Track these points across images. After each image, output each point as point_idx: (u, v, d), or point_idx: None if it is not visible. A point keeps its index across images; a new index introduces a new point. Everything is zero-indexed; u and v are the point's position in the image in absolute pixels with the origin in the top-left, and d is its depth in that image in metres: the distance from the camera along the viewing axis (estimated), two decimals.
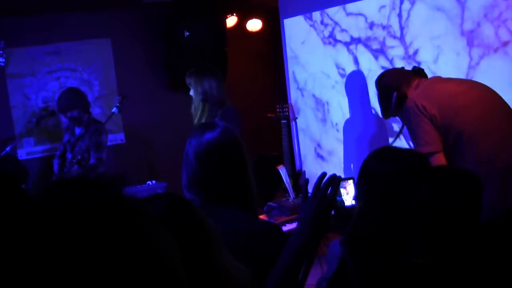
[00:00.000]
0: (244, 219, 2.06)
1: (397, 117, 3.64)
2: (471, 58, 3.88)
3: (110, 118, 5.15)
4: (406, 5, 4.33)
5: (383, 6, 4.52)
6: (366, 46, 4.74)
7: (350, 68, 4.95)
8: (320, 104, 5.39)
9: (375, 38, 4.64)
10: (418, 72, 3.39)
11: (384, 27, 4.55)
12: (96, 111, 5.97)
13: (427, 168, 1.66)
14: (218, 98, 4.49)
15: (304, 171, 5.26)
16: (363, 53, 4.79)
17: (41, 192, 0.74)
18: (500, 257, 1.79)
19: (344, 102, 5.07)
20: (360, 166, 1.92)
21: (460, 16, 3.93)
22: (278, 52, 6.16)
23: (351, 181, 1.80)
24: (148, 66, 6.32)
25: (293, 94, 5.74)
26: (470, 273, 1.62)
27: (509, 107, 3.17)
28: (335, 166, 5.10)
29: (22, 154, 5.84)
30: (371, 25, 4.67)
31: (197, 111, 4.51)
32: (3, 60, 5.39)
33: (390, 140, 4.57)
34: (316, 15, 5.27)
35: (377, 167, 1.70)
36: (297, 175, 5.08)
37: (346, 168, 5.00)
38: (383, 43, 4.57)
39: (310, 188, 1.75)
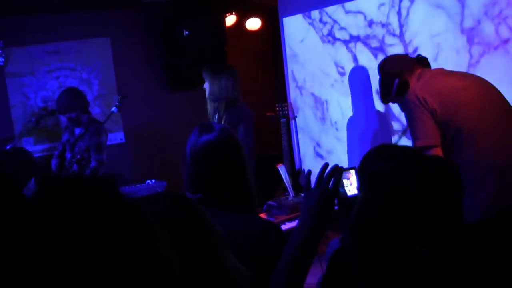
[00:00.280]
0: (241, 220, 2.06)
1: (397, 106, 3.62)
2: (471, 56, 3.87)
3: (109, 117, 5.14)
4: (405, 3, 4.32)
5: (382, 4, 4.52)
6: (365, 44, 4.73)
7: (349, 66, 4.95)
8: (319, 103, 5.38)
9: (374, 36, 4.63)
10: (421, 60, 3.37)
11: (383, 25, 4.54)
12: (95, 110, 5.96)
13: (421, 164, 1.67)
14: (232, 95, 4.52)
15: (304, 170, 5.26)
16: (362, 51, 4.78)
17: (38, 191, 0.74)
18: (497, 255, 1.79)
19: (343, 100, 5.07)
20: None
21: (460, 13, 3.92)
22: (277, 51, 6.15)
23: (353, 171, 1.82)
24: (148, 65, 6.32)
25: (292, 93, 5.74)
26: (469, 271, 1.61)
27: (509, 104, 3.16)
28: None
29: None
30: (370, 23, 4.67)
31: (211, 107, 4.53)
32: (3, 59, 5.38)
33: (393, 138, 4.56)
34: (315, 13, 5.27)
35: (376, 167, 1.70)
36: (297, 174, 5.08)
37: (350, 165, 4.99)
38: (382, 41, 4.56)
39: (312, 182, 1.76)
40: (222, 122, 4.45)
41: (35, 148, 5.85)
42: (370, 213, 1.63)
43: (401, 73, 3.30)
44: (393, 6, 4.43)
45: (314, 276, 2.62)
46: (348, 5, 4.88)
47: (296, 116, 5.62)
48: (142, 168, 6.08)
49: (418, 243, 1.60)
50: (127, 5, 6.13)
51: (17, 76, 5.84)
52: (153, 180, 4.76)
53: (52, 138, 5.91)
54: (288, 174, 4.37)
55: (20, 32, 5.78)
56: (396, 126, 4.53)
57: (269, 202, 4.08)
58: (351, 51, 4.91)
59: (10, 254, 0.65)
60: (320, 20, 5.21)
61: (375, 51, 4.64)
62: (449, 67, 3.80)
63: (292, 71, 5.69)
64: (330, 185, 1.72)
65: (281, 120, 5.17)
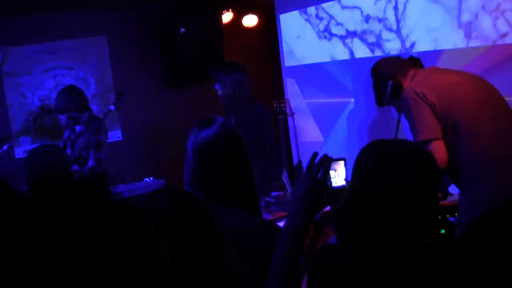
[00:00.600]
0: (241, 217, 2.05)
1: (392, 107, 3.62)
2: (468, 51, 3.87)
3: (107, 115, 5.13)
4: None
5: None
6: (362, 39, 4.72)
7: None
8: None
9: (371, 31, 4.63)
10: (415, 61, 3.37)
11: (380, 20, 4.53)
12: (92, 109, 5.94)
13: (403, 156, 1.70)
14: (247, 93, 4.48)
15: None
16: (359, 47, 4.78)
17: (28, 190, 0.74)
18: (502, 247, 1.80)
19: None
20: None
21: (457, 8, 3.91)
22: (274, 47, 6.14)
23: (342, 162, 1.83)
24: (144, 63, 6.30)
25: (290, 89, 5.73)
26: (471, 264, 1.62)
27: (504, 99, 3.15)
28: None
29: (19, 152, 5.83)
30: (367, 18, 4.66)
31: (227, 107, 4.47)
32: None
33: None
34: (311, 9, 5.26)
35: (370, 164, 1.72)
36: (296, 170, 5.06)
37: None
38: (379, 36, 4.56)
39: None
40: (240, 122, 4.42)
41: (32, 147, 5.84)
42: (358, 204, 1.66)
43: (394, 76, 3.30)
44: (389, 1, 4.43)
45: None
46: (344, 0, 4.87)
47: (294, 113, 5.61)
48: (139, 166, 6.08)
49: (402, 232, 1.63)
50: (123, 3, 6.11)
51: (14, 76, 5.83)
52: (151, 178, 4.76)
53: (50, 137, 5.90)
54: (286, 171, 4.36)
55: (17, 32, 5.76)
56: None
57: (267, 198, 4.07)
58: (348, 47, 4.90)
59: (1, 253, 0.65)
60: (317, 16, 5.20)
61: (372, 46, 4.64)
62: (446, 62, 3.80)
63: (290, 68, 5.68)
64: (319, 175, 1.73)
65: (279, 116, 5.16)
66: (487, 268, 1.62)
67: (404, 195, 1.65)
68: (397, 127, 3.71)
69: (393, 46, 4.42)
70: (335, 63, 5.09)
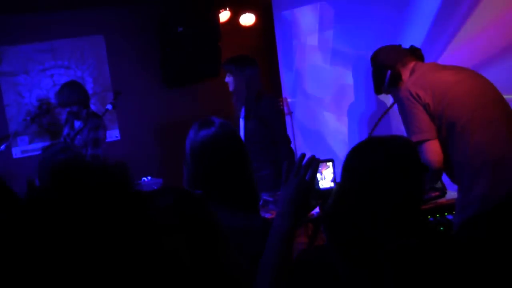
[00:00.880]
0: (241, 217, 2.05)
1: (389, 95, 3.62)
2: None
3: (104, 114, 5.13)
4: None
5: None
6: None
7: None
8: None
9: None
10: (415, 52, 3.36)
11: None
12: (90, 106, 5.94)
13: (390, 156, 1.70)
14: (260, 87, 4.49)
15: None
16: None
17: (51, 178, 0.73)
18: (496, 247, 1.80)
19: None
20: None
21: None
22: (272, 46, 6.14)
23: (330, 164, 1.82)
24: (142, 62, 6.30)
25: (287, 88, 5.73)
26: (462, 264, 1.62)
27: (503, 98, 3.15)
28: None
29: (17, 152, 5.82)
30: None
31: (239, 102, 4.46)
32: None
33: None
34: (309, 7, 5.26)
35: (358, 164, 1.73)
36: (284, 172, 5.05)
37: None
38: None
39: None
40: (250, 116, 4.43)
41: (30, 147, 5.84)
42: (346, 204, 1.65)
43: (394, 65, 3.30)
44: None
45: None
46: None
47: (292, 112, 5.61)
48: (137, 165, 6.05)
49: (392, 231, 1.63)
50: (120, 2, 6.11)
51: (11, 75, 5.82)
52: (149, 177, 4.76)
53: (47, 136, 5.89)
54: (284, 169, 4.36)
55: (13, 31, 5.75)
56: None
57: (265, 197, 4.07)
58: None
59: (15, 245, 0.65)
60: (315, 13, 5.20)
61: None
62: None
63: (287, 67, 5.68)
64: (306, 177, 1.72)
65: None
66: (478, 268, 1.62)
67: (390, 189, 1.64)
68: (381, 117, 3.71)
69: None
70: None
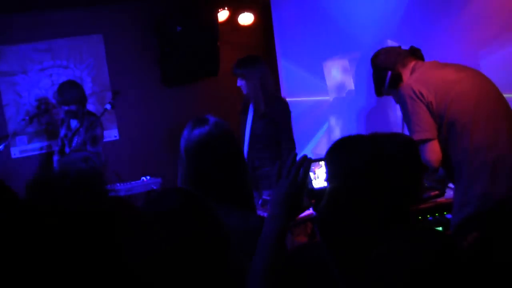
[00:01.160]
0: (237, 216, 2.05)
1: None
2: None
3: (103, 114, 5.13)
4: None
5: None
6: None
7: None
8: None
9: None
10: (415, 52, 3.36)
11: None
12: (89, 108, 5.93)
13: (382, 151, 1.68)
14: (272, 85, 4.50)
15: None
16: None
17: (26, 193, 0.73)
18: (490, 248, 1.80)
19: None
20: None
21: None
22: (270, 45, 6.14)
23: (322, 163, 1.76)
24: (141, 61, 6.29)
25: (286, 88, 5.73)
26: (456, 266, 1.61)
27: (503, 97, 3.15)
28: None
29: (15, 152, 5.81)
30: None
31: (255, 99, 4.45)
32: None
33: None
34: (308, 5, 5.26)
35: (352, 163, 1.70)
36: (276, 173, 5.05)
37: None
38: None
39: None
40: (260, 116, 4.43)
41: (29, 147, 5.83)
42: (339, 203, 1.62)
43: (394, 66, 3.30)
44: None
45: None
46: None
47: (290, 111, 5.60)
48: (136, 164, 6.06)
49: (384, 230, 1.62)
50: (119, 1, 6.10)
51: (9, 75, 5.81)
52: (148, 177, 4.76)
53: (46, 136, 5.89)
54: None
55: (11, 31, 5.74)
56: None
57: (264, 196, 4.08)
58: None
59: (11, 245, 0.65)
60: (313, 11, 5.20)
61: None
62: None
63: (286, 66, 5.68)
64: (298, 177, 1.67)
65: None
66: (476, 273, 1.62)
67: (388, 189, 1.63)
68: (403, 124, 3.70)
69: None
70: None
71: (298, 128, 5.63)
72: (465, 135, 2.98)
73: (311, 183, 1.73)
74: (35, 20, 5.80)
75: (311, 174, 1.74)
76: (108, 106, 5.06)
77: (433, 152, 3.00)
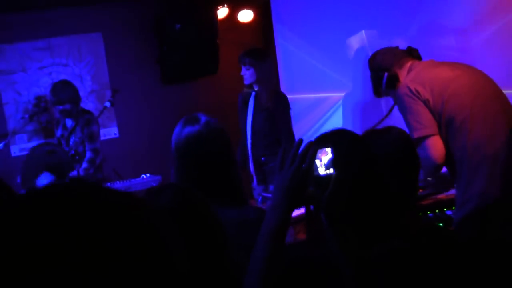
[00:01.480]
0: (230, 209, 2.06)
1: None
2: None
3: (102, 112, 5.13)
4: None
5: None
6: None
7: None
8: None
9: None
10: (412, 52, 3.36)
11: None
12: (88, 106, 5.92)
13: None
14: (276, 80, 4.54)
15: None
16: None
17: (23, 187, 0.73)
18: (489, 246, 1.80)
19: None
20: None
21: None
22: (270, 43, 6.13)
23: (328, 150, 1.69)
24: (140, 59, 6.29)
25: (285, 85, 5.72)
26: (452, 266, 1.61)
27: (502, 92, 3.15)
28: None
29: (15, 150, 5.81)
30: None
31: (264, 91, 4.46)
32: None
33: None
34: (308, 3, 5.25)
35: (353, 156, 1.70)
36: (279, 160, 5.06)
37: None
38: None
39: None
40: (260, 110, 4.44)
41: (29, 145, 5.83)
42: (344, 194, 1.61)
43: (390, 67, 3.30)
44: None
45: None
46: None
47: (290, 108, 5.60)
48: (136, 162, 6.05)
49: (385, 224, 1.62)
50: None
51: (8, 74, 5.81)
52: (148, 175, 4.75)
53: (46, 134, 5.89)
54: None
55: (11, 29, 5.74)
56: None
57: (264, 193, 4.08)
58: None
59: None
60: (313, 10, 5.20)
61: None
62: None
63: (285, 63, 5.68)
64: (304, 164, 1.59)
65: None
66: (475, 269, 1.62)
67: (385, 183, 1.63)
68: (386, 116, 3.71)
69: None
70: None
71: (296, 124, 5.63)
72: (464, 131, 2.98)
73: (317, 170, 1.66)
74: (34, 18, 5.80)
75: (317, 161, 1.65)
76: (107, 104, 5.06)
77: (435, 148, 2.98)
